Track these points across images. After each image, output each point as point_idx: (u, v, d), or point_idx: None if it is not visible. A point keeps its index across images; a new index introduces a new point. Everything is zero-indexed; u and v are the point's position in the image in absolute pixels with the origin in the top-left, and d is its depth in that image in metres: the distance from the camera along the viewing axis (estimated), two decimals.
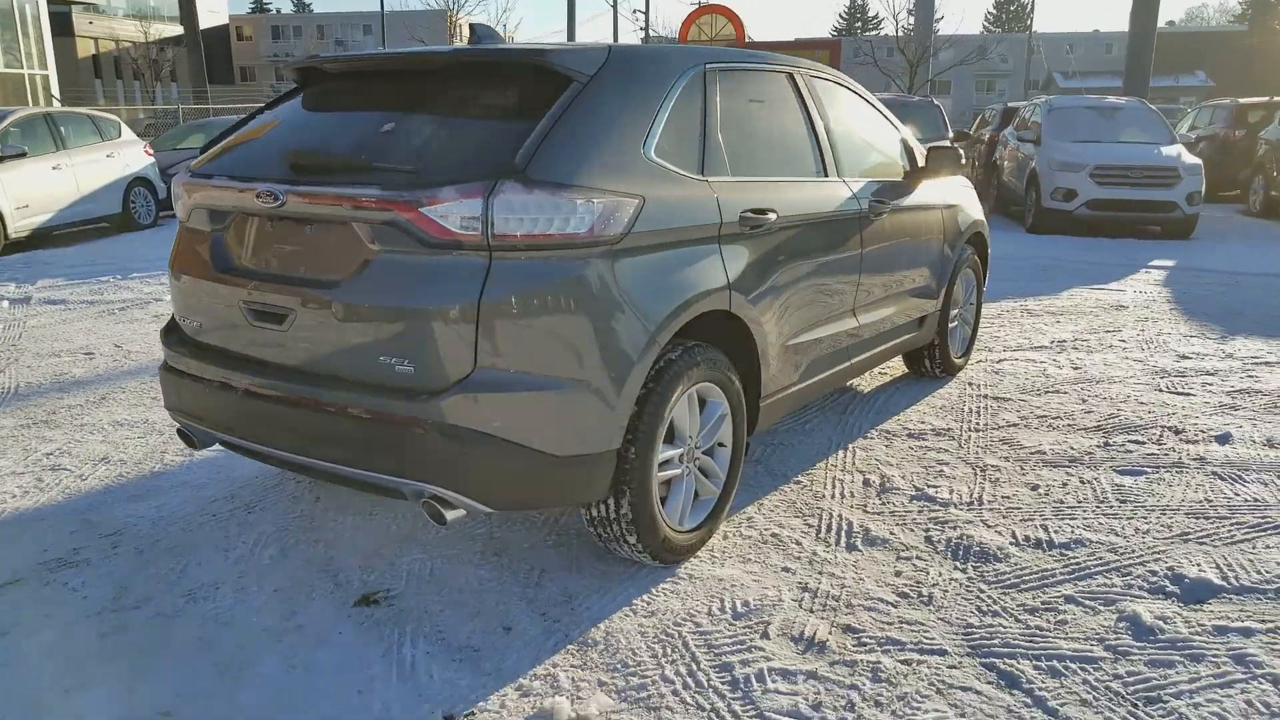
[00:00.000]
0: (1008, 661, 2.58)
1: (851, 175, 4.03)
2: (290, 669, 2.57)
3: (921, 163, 4.59)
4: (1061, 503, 3.65)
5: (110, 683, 2.52)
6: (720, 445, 3.29)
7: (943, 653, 2.63)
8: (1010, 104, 16.37)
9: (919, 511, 3.58)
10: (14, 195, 10.31)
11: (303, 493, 3.74)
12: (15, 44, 21.66)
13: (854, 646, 2.67)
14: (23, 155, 10.46)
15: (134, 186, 12.20)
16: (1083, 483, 3.83)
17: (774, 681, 2.50)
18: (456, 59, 2.99)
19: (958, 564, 3.16)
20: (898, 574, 3.10)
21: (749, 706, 2.40)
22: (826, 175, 3.86)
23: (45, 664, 2.62)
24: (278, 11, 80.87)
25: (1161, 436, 4.35)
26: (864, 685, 2.48)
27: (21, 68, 21.71)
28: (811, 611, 2.85)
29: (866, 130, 4.40)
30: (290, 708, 2.41)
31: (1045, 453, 4.18)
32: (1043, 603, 2.89)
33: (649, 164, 2.89)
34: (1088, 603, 2.89)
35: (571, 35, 20.69)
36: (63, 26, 51.75)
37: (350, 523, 3.47)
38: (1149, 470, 3.94)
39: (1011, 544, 3.30)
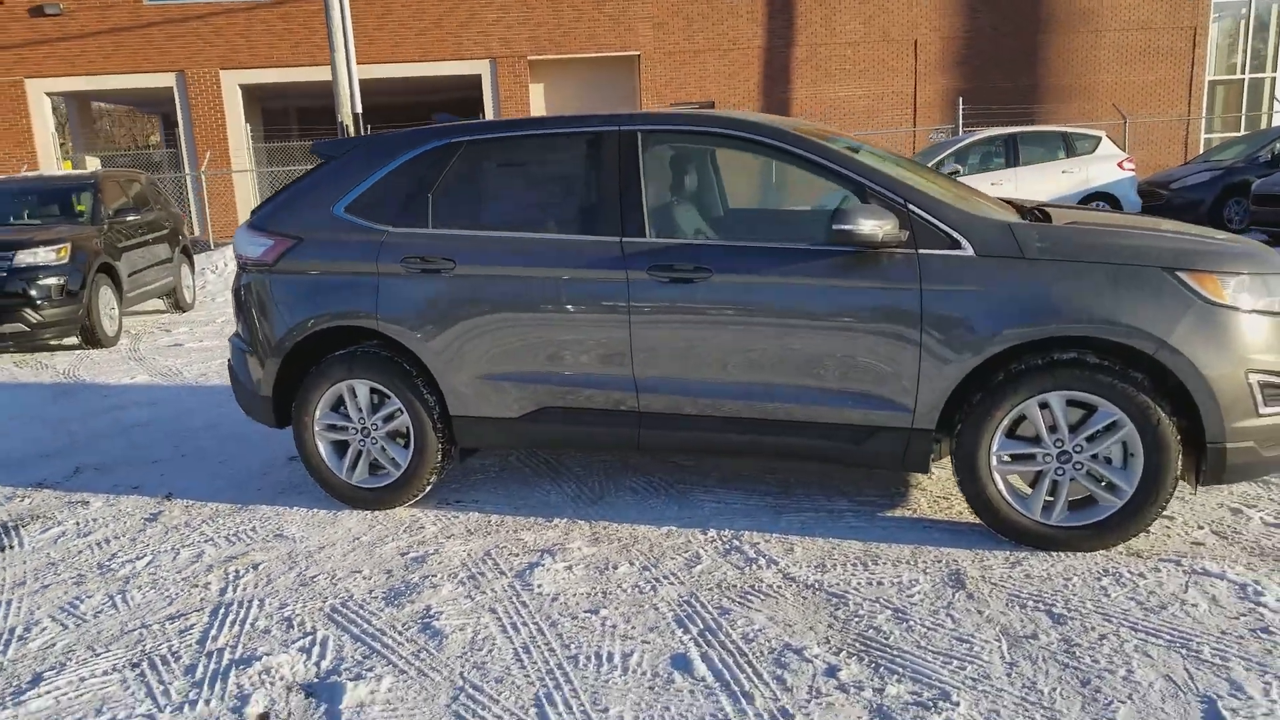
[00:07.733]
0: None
1: (684, 237, 3.88)
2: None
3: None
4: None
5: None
6: (401, 436, 4.13)
7: None
8: None
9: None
10: None
11: None
12: (1246, 48, 22.07)
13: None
14: (955, 174, 12.40)
15: (1089, 201, 12.73)
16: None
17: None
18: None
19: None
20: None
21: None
22: (601, 235, 3.78)
23: None
24: None
25: None
26: None
27: (1244, 73, 21.90)
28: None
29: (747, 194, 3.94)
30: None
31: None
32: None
33: (331, 218, 4.14)
34: None
35: None
36: None
37: None
38: None
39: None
